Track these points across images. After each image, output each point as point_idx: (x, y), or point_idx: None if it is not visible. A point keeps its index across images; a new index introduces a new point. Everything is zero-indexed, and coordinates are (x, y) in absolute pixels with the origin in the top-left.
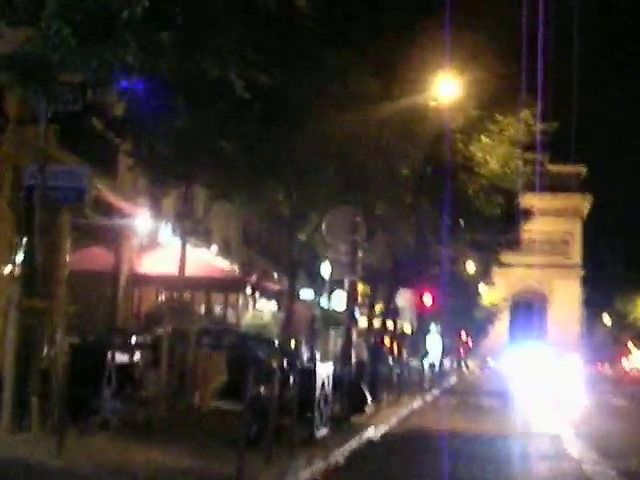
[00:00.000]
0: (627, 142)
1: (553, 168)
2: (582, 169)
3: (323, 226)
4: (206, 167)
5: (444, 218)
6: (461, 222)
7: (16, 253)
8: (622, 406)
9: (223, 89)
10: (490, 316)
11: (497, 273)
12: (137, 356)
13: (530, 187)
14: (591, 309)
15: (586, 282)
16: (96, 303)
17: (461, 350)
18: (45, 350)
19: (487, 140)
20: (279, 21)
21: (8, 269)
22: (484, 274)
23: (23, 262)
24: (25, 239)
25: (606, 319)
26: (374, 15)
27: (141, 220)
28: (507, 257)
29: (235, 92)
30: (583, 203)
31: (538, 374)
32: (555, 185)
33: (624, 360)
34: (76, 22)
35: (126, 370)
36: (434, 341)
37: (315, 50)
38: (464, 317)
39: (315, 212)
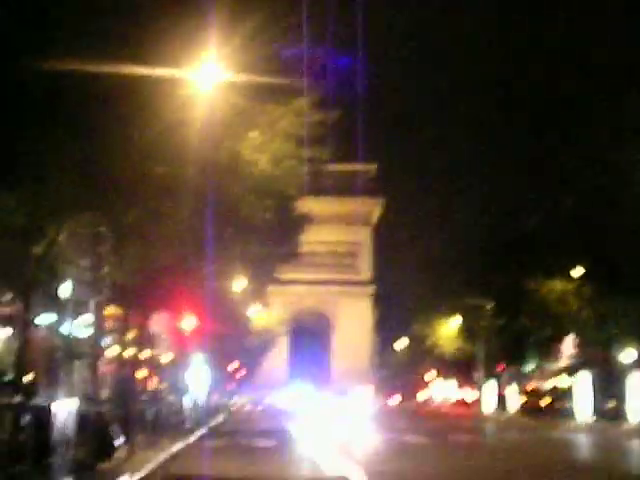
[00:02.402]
0: (417, 136)
1: (336, 167)
2: (372, 167)
3: (62, 237)
4: None
5: (206, 227)
6: (229, 231)
7: None
8: (416, 443)
9: None
10: (264, 343)
11: (272, 292)
12: None
13: (309, 190)
14: (385, 333)
15: (378, 301)
16: None
17: (230, 384)
18: None
19: (256, 134)
20: None
21: None
22: (257, 293)
23: None
24: None
25: (403, 344)
26: None
27: None
28: (284, 273)
29: None
30: (373, 208)
31: (322, 411)
32: (339, 187)
33: (421, 392)
34: None
35: None
36: (198, 373)
37: None
38: (234, 345)
39: (53, 222)
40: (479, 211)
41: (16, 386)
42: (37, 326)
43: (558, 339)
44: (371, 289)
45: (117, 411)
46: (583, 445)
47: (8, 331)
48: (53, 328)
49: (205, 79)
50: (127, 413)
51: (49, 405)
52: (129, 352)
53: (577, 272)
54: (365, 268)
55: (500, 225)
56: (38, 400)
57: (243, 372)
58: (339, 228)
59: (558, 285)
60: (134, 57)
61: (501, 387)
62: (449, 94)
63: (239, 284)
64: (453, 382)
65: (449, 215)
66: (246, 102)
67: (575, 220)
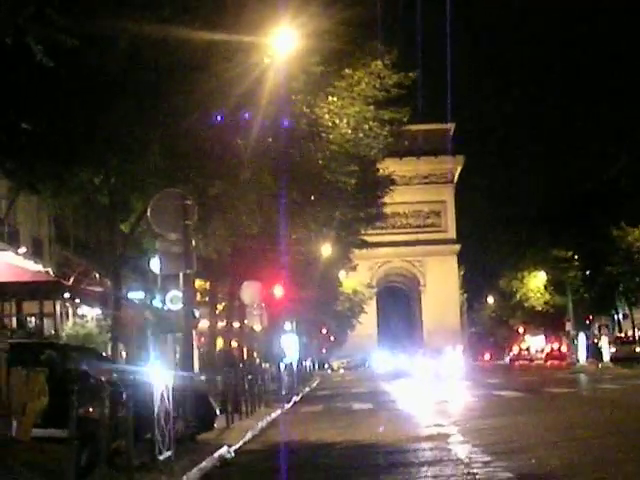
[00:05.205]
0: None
1: (415, 127)
2: (450, 127)
3: (148, 213)
4: (3, 151)
5: (290, 194)
6: (313, 197)
7: None
8: (511, 398)
9: (17, 55)
10: (354, 307)
11: (358, 256)
12: None
13: (391, 152)
14: (472, 291)
15: (463, 259)
16: None
17: (323, 349)
18: None
19: (334, 100)
20: None
21: None
22: (343, 257)
23: None
24: None
25: (490, 301)
26: None
27: None
28: (370, 236)
29: (34, 58)
30: (454, 166)
31: (415, 371)
32: (420, 147)
33: (513, 347)
34: None
35: None
36: (290, 340)
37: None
38: (323, 310)
39: (139, 197)
40: (560, 161)
41: (112, 362)
42: (128, 302)
43: None
44: (457, 247)
45: (214, 382)
46: None
47: (100, 309)
48: (144, 303)
49: (282, 46)
50: (224, 383)
51: (147, 380)
52: (221, 323)
53: None
54: (449, 226)
55: (582, 173)
56: (135, 375)
57: (334, 336)
58: (422, 188)
59: None
60: (212, 24)
61: (592, 337)
62: (529, 45)
63: (326, 249)
64: (543, 335)
65: (530, 168)
66: (323, 68)
67: None
